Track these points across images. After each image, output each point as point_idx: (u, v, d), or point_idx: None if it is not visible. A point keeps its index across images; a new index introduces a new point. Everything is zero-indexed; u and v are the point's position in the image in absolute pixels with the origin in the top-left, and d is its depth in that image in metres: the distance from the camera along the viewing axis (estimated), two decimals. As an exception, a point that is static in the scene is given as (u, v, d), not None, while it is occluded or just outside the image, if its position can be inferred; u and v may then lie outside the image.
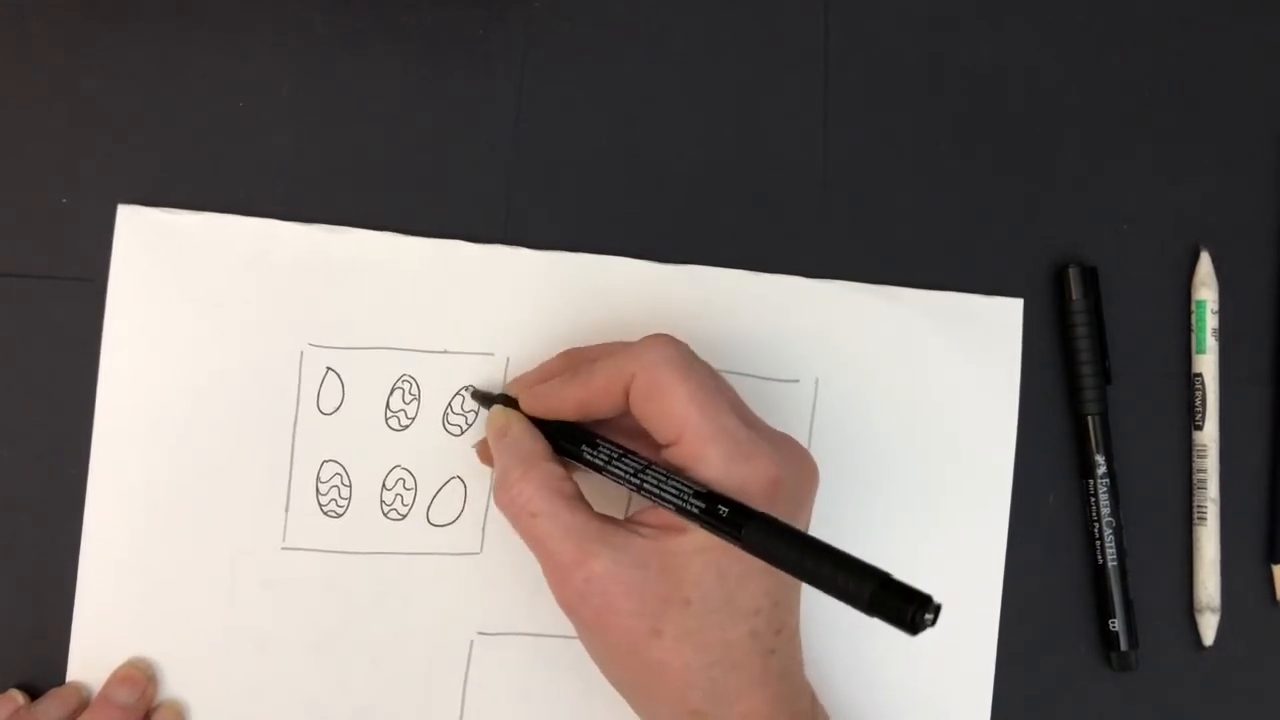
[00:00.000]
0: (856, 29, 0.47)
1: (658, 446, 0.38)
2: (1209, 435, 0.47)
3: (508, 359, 0.44)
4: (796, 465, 0.38)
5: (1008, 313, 0.46)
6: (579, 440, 0.39)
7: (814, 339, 0.45)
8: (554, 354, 0.44)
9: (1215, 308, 0.47)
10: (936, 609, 0.30)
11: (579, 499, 0.38)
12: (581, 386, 0.39)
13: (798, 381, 0.45)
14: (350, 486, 0.44)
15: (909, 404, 0.46)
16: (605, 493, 0.39)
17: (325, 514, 0.44)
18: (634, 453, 0.38)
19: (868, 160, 0.46)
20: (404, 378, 0.44)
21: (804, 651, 0.39)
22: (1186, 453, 0.47)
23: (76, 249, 0.43)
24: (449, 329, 0.44)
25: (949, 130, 0.47)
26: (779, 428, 0.39)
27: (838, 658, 0.44)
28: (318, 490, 0.44)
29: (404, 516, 0.44)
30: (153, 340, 0.43)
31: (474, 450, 0.43)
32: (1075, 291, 0.46)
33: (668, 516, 0.37)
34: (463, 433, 0.44)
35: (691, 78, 0.46)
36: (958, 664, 0.45)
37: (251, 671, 0.43)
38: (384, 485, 0.44)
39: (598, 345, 0.42)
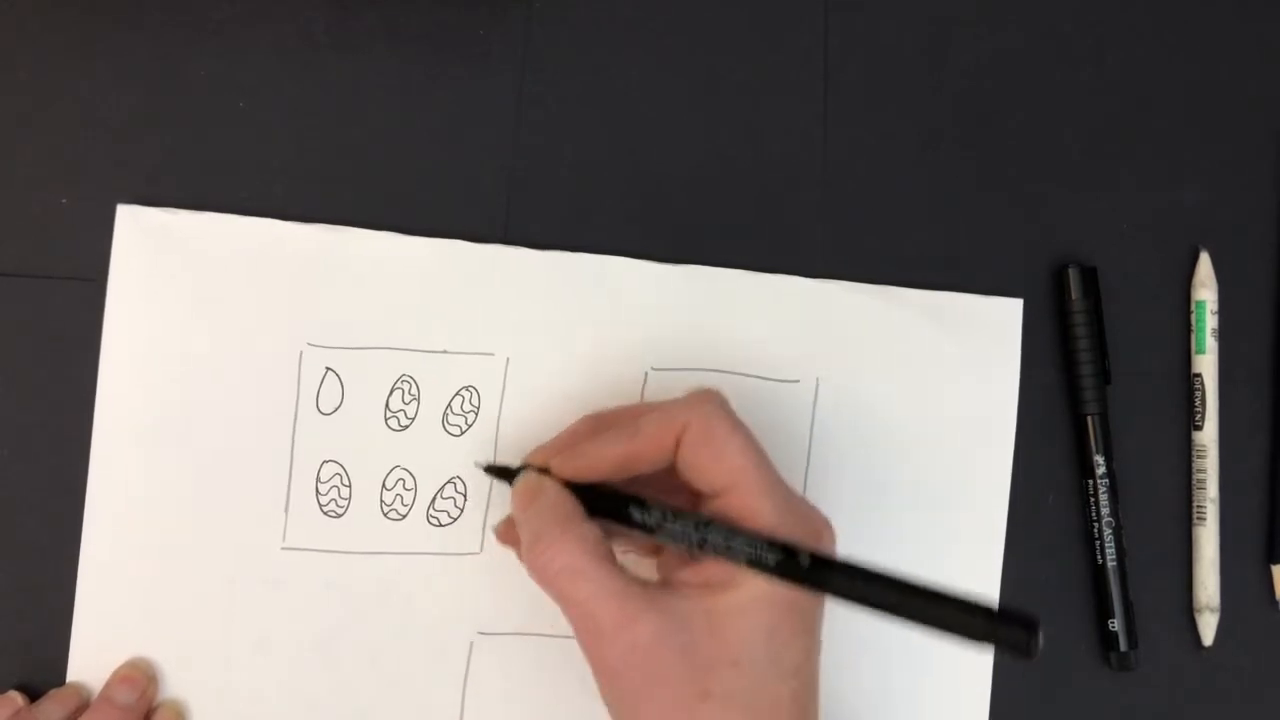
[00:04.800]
0: (856, 29, 0.47)
1: (694, 501, 0.37)
2: (1208, 435, 0.47)
3: (507, 359, 0.44)
4: (826, 525, 0.38)
5: (1008, 313, 0.46)
6: (621, 503, 0.37)
7: (814, 339, 0.45)
8: (557, 353, 0.44)
9: (1215, 308, 0.47)
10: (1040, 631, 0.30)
11: (616, 563, 0.36)
12: (629, 440, 0.38)
13: (798, 382, 0.45)
14: (350, 487, 0.44)
15: (909, 404, 0.46)
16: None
17: (325, 514, 0.44)
18: (686, 510, 0.37)
19: (868, 160, 0.46)
20: (403, 378, 0.44)
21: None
22: (1186, 453, 0.47)
23: (76, 249, 0.43)
24: (449, 329, 0.44)
25: (949, 130, 0.47)
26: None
27: (836, 657, 0.44)
28: (317, 490, 0.44)
29: (404, 517, 0.44)
30: (152, 340, 0.43)
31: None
32: (1075, 291, 0.46)
33: (708, 574, 0.36)
34: (462, 433, 0.44)
35: (692, 77, 0.46)
36: (956, 664, 0.45)
37: (251, 671, 0.43)
38: (384, 485, 0.44)
39: (624, 406, 0.41)
